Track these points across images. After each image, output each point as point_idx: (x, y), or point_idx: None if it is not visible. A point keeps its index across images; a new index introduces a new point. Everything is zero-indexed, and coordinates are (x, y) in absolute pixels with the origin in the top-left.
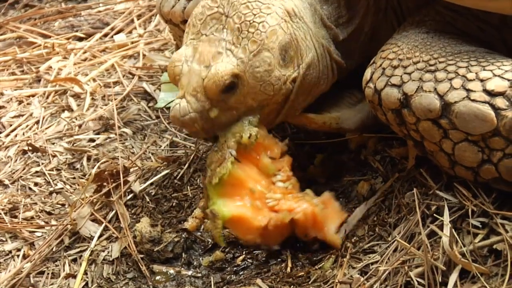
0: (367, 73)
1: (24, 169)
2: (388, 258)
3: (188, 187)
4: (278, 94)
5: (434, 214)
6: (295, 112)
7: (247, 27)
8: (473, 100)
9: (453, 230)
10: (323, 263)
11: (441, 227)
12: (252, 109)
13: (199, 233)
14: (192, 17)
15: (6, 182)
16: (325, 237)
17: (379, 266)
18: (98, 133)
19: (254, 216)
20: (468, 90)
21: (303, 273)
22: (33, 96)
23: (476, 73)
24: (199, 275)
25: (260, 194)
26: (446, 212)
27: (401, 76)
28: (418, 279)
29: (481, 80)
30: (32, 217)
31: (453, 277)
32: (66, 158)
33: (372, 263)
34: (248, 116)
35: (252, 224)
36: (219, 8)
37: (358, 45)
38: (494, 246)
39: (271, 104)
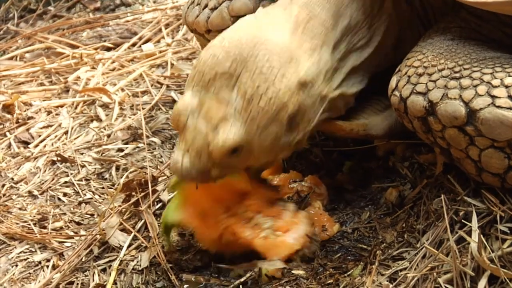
0: (393, 81)
1: (53, 179)
2: (417, 265)
3: None
4: (283, 152)
5: (462, 220)
6: None
7: (258, 100)
8: (498, 107)
9: (481, 236)
10: (351, 270)
11: (469, 233)
12: (254, 165)
13: None
14: (201, 63)
15: (35, 192)
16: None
17: (408, 273)
18: (126, 143)
19: (204, 228)
20: (493, 97)
21: (332, 281)
22: (61, 106)
23: (501, 79)
24: (229, 284)
25: (215, 210)
26: (474, 218)
27: (426, 83)
28: (447, 285)
29: (506, 86)
30: (61, 228)
31: (482, 283)
32: (95, 168)
33: (401, 270)
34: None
35: (204, 235)
36: (232, 66)
37: (382, 57)
38: None
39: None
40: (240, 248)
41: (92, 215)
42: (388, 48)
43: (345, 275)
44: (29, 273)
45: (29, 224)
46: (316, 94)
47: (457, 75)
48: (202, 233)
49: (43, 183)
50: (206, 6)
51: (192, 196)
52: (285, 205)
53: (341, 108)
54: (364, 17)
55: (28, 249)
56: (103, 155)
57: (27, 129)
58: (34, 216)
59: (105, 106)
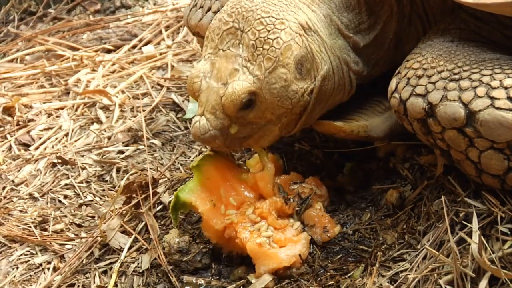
0: (392, 83)
1: (53, 182)
2: (418, 266)
3: None
4: (297, 106)
5: (463, 221)
6: (312, 120)
7: (262, 44)
8: (498, 108)
9: (482, 237)
10: (352, 272)
11: (469, 234)
12: (271, 121)
13: None
14: (210, 31)
15: (36, 195)
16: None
17: (409, 274)
18: (127, 145)
19: (211, 216)
20: (492, 98)
21: (332, 282)
22: (62, 108)
23: (500, 80)
24: (229, 285)
25: (227, 202)
26: (475, 219)
27: (425, 85)
28: (448, 287)
29: (505, 88)
30: (62, 230)
31: (483, 284)
32: (96, 170)
33: (401, 271)
34: (268, 126)
35: (209, 222)
36: (234, 23)
37: (383, 52)
38: None
39: (290, 115)
40: (238, 247)
41: (92, 217)
42: (388, 42)
43: (346, 276)
44: (30, 275)
45: (30, 227)
46: (320, 41)
47: (456, 76)
48: (208, 220)
49: (43, 186)
50: (209, 9)
51: (210, 182)
52: (293, 223)
53: (346, 87)
54: (364, 0)
55: (29, 251)
56: (104, 157)
57: (28, 132)
58: (34, 219)
59: (105, 108)
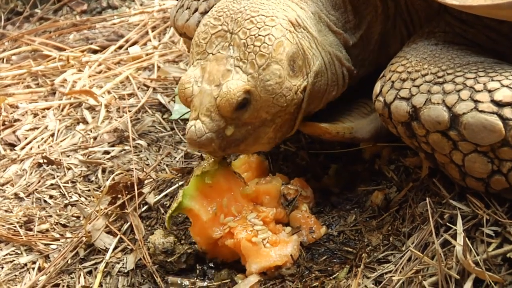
0: (377, 87)
1: (39, 182)
2: (402, 268)
3: None
4: (291, 104)
5: (448, 223)
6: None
7: (253, 41)
8: (481, 111)
9: (466, 239)
10: (337, 273)
11: (454, 236)
12: (266, 121)
13: None
14: (196, 37)
15: (21, 195)
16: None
17: (393, 276)
18: (112, 145)
19: (211, 225)
20: (476, 101)
21: (317, 284)
22: (48, 109)
23: (484, 84)
24: (214, 286)
25: (228, 211)
26: (459, 221)
27: (409, 89)
28: None
29: (489, 91)
30: (47, 230)
31: (467, 286)
32: (81, 171)
33: (386, 273)
34: (263, 127)
35: (206, 231)
36: (223, 25)
37: (368, 53)
38: (508, 255)
39: (284, 115)
40: (223, 254)
41: (78, 217)
42: (373, 43)
43: (331, 278)
44: (15, 275)
45: (15, 226)
46: (310, 38)
47: (440, 80)
48: (207, 228)
49: (29, 186)
50: (196, 10)
51: (212, 190)
52: (284, 227)
53: (339, 83)
54: (348, 0)
55: (14, 251)
56: (89, 157)
57: (14, 132)
58: (20, 218)
59: (91, 108)
